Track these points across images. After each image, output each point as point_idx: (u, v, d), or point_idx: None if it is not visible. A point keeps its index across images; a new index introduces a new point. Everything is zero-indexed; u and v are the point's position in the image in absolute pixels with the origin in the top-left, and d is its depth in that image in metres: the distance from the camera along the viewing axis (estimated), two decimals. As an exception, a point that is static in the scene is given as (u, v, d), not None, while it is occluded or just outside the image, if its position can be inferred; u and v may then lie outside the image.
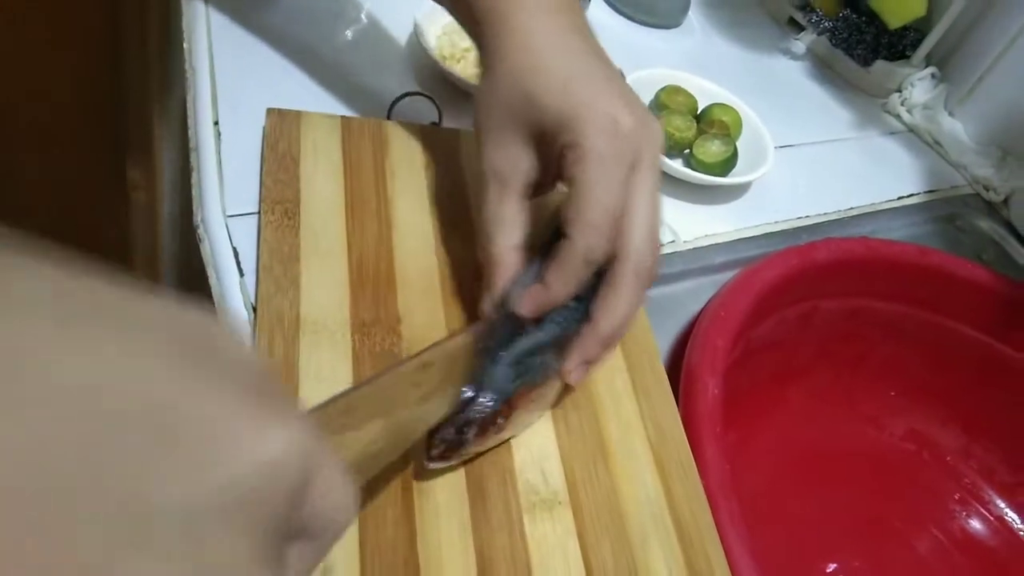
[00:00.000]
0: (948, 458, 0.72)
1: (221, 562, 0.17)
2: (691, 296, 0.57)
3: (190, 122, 0.55)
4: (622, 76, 0.45)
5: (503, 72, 0.42)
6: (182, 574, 0.16)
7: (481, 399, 0.38)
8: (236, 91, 0.56)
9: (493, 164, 0.43)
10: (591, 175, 0.39)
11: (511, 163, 0.42)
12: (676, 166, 0.62)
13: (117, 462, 0.16)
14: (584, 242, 0.39)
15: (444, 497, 0.39)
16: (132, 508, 0.16)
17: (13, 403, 0.15)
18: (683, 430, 0.46)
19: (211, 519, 0.16)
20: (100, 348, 0.17)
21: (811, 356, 0.69)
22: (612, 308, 0.41)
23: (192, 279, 0.86)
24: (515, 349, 0.41)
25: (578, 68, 0.42)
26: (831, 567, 0.67)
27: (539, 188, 0.44)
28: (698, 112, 0.68)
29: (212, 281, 0.47)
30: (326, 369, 0.40)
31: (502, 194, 0.43)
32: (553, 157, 0.42)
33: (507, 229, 0.43)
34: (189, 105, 0.56)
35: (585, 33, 0.45)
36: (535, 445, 0.42)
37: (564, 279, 0.40)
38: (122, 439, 0.16)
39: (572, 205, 0.40)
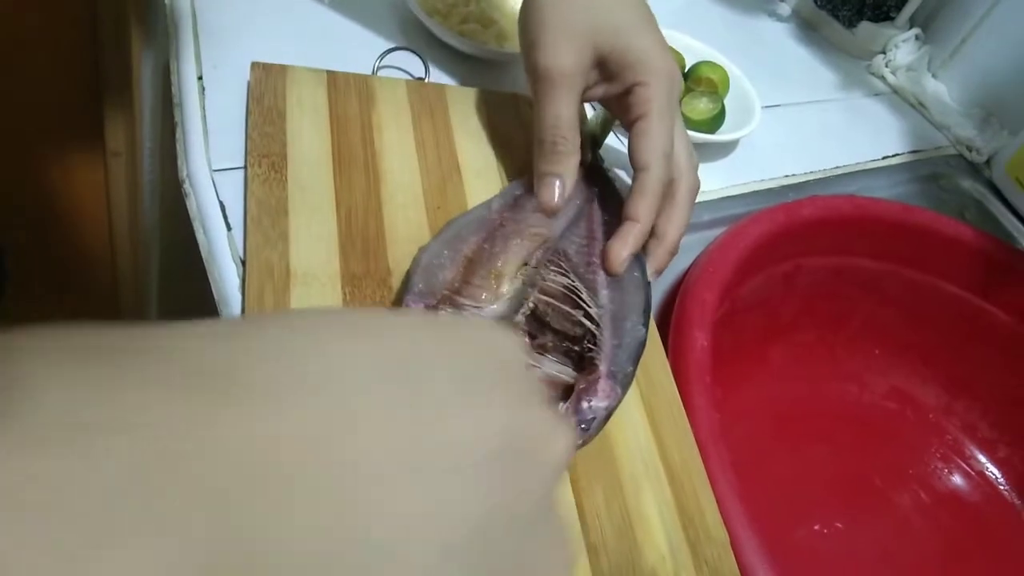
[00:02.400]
0: (930, 415, 0.73)
1: None
2: (679, 252, 0.57)
3: (173, 78, 0.54)
4: None
5: None
6: None
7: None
8: (219, 46, 0.55)
9: (562, 66, 0.47)
10: (659, 113, 0.46)
11: (578, 69, 0.47)
12: (664, 123, 0.62)
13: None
14: (661, 171, 0.46)
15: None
16: None
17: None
18: (673, 381, 0.47)
19: None
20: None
21: (795, 315, 0.70)
22: (676, 220, 0.48)
23: (175, 245, 0.85)
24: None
25: (644, 12, 0.49)
26: (814, 527, 0.68)
27: None
28: (686, 70, 0.67)
29: (199, 236, 0.47)
30: (317, 319, 0.40)
31: (569, 93, 0.47)
32: (611, 83, 0.48)
33: (576, 124, 0.48)
34: (172, 61, 0.55)
35: None
36: (527, 395, 0.42)
37: (650, 207, 0.46)
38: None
39: (645, 140, 0.46)
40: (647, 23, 0.49)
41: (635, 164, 0.47)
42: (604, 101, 0.52)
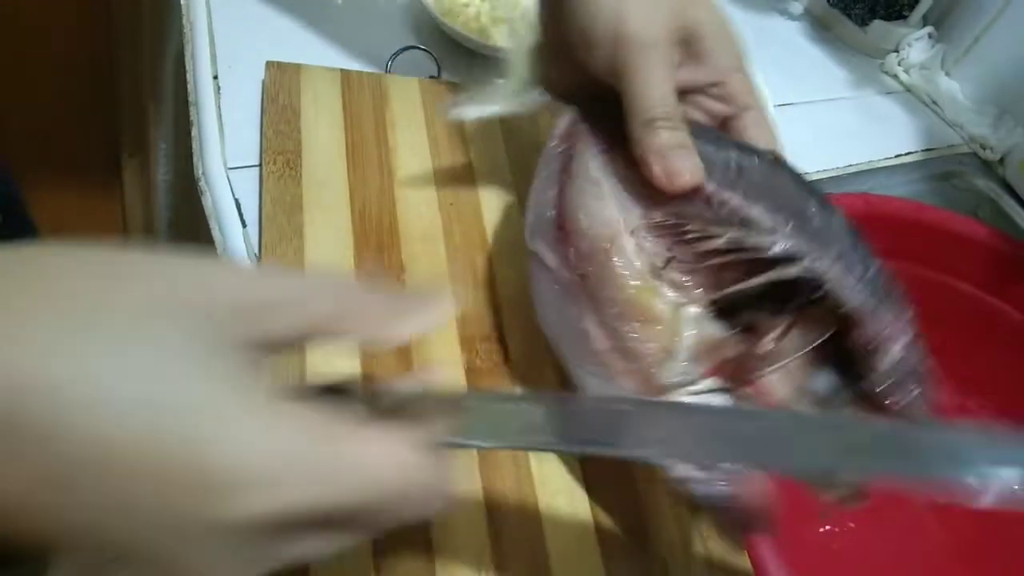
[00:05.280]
0: (944, 414, 0.73)
1: None
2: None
3: (189, 77, 0.55)
4: None
5: None
6: None
7: None
8: (233, 45, 0.56)
9: (657, 36, 0.39)
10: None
11: (671, 40, 0.40)
12: (676, 121, 0.62)
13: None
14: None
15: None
16: None
17: None
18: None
19: None
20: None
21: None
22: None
23: (187, 241, 0.85)
24: None
25: None
26: (826, 527, 0.68)
27: None
28: (697, 69, 0.67)
29: (215, 233, 0.47)
30: (332, 314, 0.41)
31: (670, 67, 0.39)
32: (699, 66, 0.41)
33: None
34: (187, 60, 0.56)
35: None
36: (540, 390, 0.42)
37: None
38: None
39: (768, 132, 0.42)
40: None
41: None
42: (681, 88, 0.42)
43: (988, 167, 0.78)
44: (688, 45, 0.40)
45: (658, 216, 0.38)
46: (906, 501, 0.70)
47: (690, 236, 0.38)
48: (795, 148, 0.69)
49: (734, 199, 0.37)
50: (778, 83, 0.70)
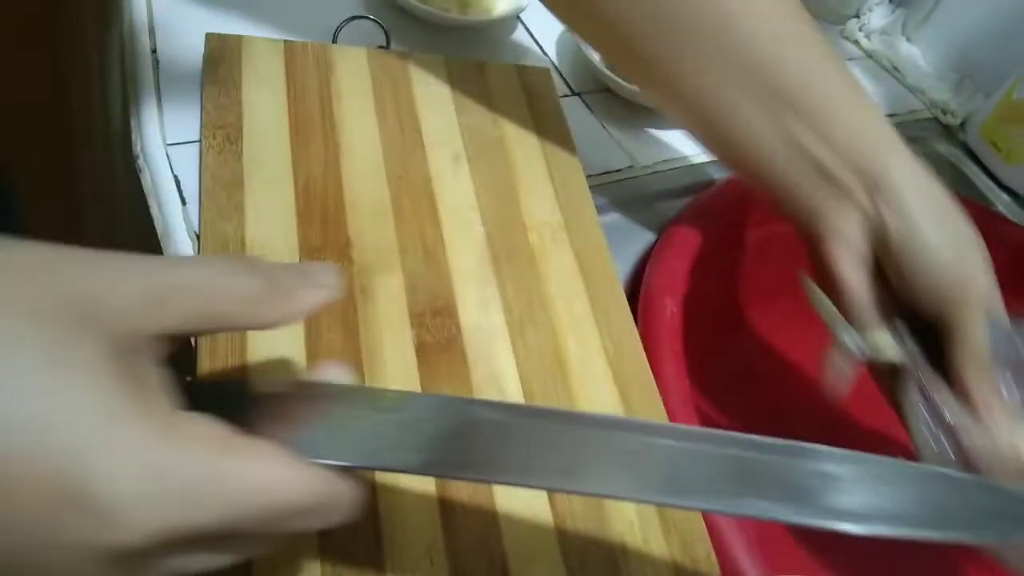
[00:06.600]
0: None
1: None
2: (650, 221, 0.56)
3: (127, 51, 0.53)
4: None
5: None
6: None
7: None
8: (174, 19, 0.54)
9: (985, 288, 0.44)
10: None
11: None
12: (634, 89, 0.61)
13: None
14: None
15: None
16: None
17: None
18: (642, 349, 0.46)
19: None
20: None
21: (771, 283, 0.69)
22: None
23: (143, 217, 0.83)
24: None
25: None
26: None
27: None
28: (654, 36, 0.66)
29: (154, 211, 0.45)
30: (273, 291, 0.39)
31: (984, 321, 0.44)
32: None
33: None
34: (126, 34, 0.54)
35: None
36: (493, 363, 0.41)
37: None
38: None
39: None
40: None
41: None
42: None
43: (949, 132, 0.78)
44: None
45: None
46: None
47: None
48: (756, 116, 0.69)
49: None
50: (738, 50, 0.69)
